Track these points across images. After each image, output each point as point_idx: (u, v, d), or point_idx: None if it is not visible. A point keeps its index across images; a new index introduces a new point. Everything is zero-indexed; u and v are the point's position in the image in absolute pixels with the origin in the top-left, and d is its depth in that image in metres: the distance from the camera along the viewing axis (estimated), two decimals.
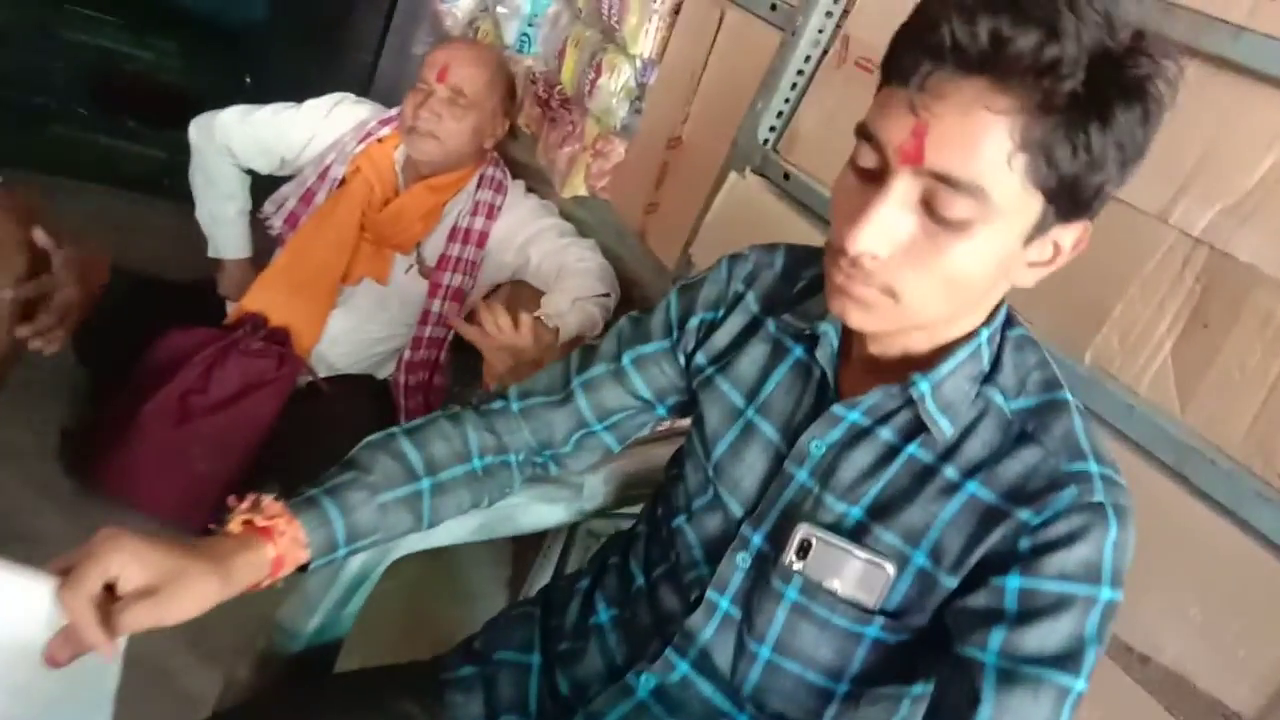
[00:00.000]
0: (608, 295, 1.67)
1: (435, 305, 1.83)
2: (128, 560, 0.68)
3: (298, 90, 1.94)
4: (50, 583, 0.66)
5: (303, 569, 0.81)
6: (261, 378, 1.74)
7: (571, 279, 1.68)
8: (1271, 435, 0.86)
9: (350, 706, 0.87)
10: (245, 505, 0.78)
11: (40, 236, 1.18)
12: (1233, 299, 0.90)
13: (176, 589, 0.69)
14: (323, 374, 1.83)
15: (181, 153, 2.70)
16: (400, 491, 0.86)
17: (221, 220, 1.97)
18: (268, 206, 1.93)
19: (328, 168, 1.86)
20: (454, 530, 0.97)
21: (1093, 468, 0.72)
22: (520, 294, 1.83)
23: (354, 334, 1.86)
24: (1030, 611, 0.69)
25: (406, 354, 1.87)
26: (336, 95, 1.95)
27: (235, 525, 0.77)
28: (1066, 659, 0.68)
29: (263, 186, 1.97)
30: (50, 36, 2.63)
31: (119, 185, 2.65)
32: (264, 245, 1.97)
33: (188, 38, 2.83)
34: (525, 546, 1.60)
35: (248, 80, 2.82)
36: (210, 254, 1.99)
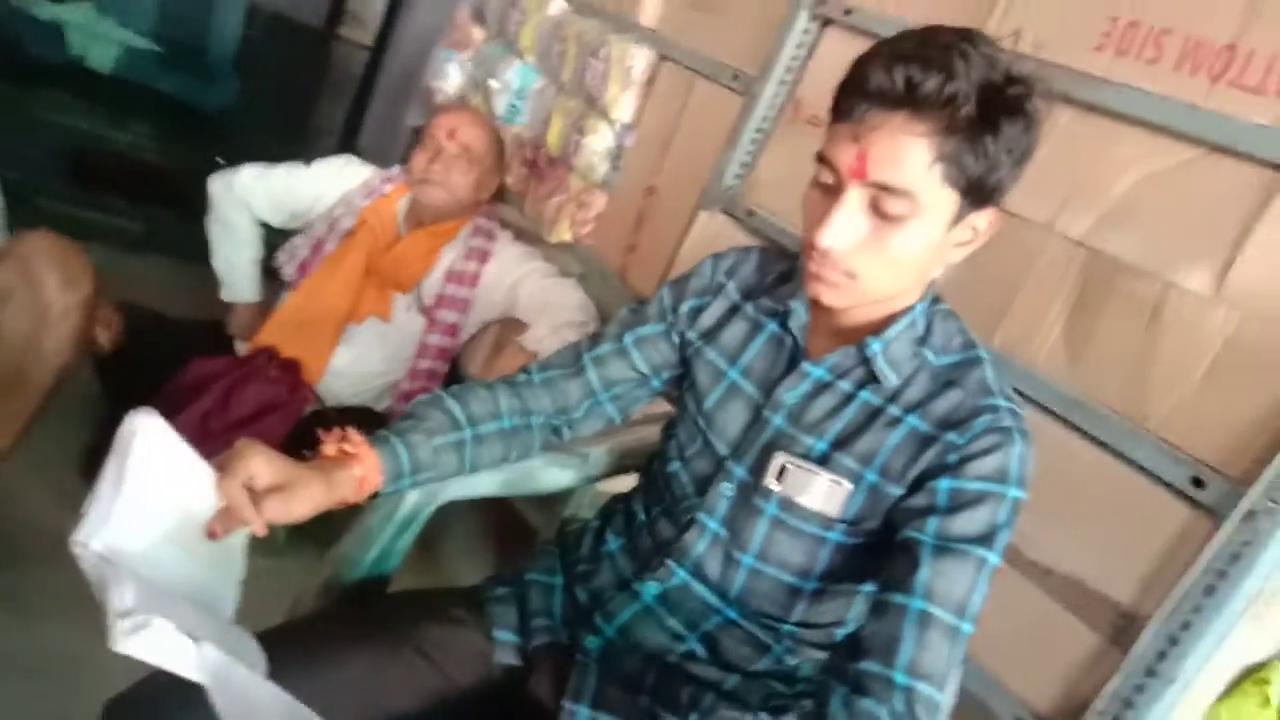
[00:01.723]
0: (586, 323, 1.85)
1: (432, 339, 2.00)
2: (263, 463, 0.86)
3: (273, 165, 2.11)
4: (212, 473, 0.84)
5: (374, 497, 1.00)
6: (275, 401, 1.89)
7: (552, 311, 1.86)
8: (1137, 386, 1.09)
9: (407, 612, 1.04)
10: (336, 436, 0.97)
11: None
12: (1105, 286, 1.14)
13: (297, 489, 0.87)
14: (327, 404, 2.00)
15: (160, 225, 2.86)
16: (449, 438, 1.04)
17: (236, 267, 2.13)
18: (280, 255, 2.10)
19: (336, 220, 2.06)
20: (486, 483, 1.15)
21: (1000, 403, 0.93)
22: (509, 329, 2.03)
23: (356, 367, 2.01)
24: (957, 504, 0.88)
25: (405, 384, 2.02)
26: (343, 157, 2.15)
27: (329, 449, 0.96)
28: (985, 538, 0.87)
29: (268, 238, 2.16)
30: (30, 119, 2.76)
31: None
32: (267, 291, 2.15)
33: (162, 121, 2.97)
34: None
35: (220, 160, 2.97)
36: (223, 297, 2.14)
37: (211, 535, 0.83)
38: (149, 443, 0.81)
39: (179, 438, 0.83)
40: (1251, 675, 1.11)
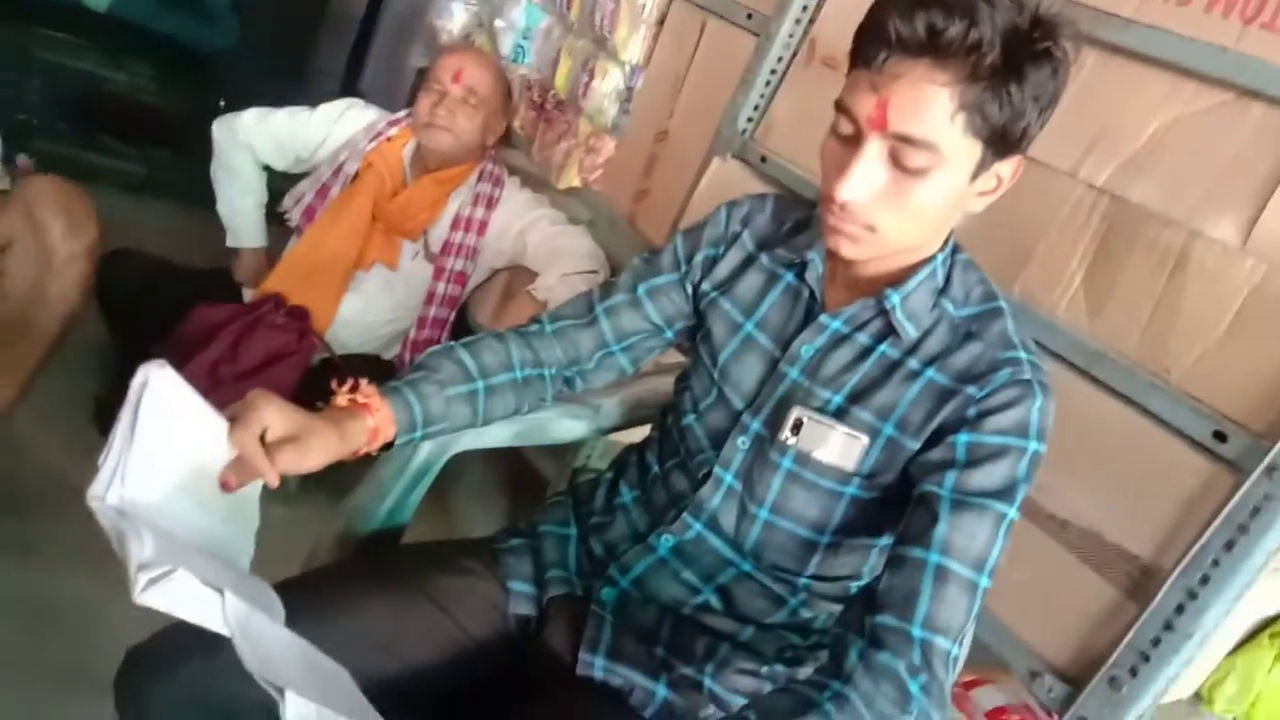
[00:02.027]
0: (595, 272, 1.83)
1: (440, 287, 1.99)
2: (275, 414, 0.85)
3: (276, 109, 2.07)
4: (225, 424, 0.83)
5: (385, 448, 0.99)
6: (284, 350, 1.88)
7: (561, 259, 1.84)
8: (1159, 338, 1.07)
9: (422, 563, 1.04)
10: (348, 388, 0.96)
11: None
12: (1129, 234, 1.11)
13: (310, 440, 0.87)
14: (335, 353, 2.00)
15: (161, 168, 2.83)
16: (461, 389, 1.03)
17: (240, 212, 2.11)
18: (287, 200, 2.07)
19: (342, 164, 2.01)
20: (499, 434, 1.15)
21: (1021, 355, 0.92)
22: (518, 277, 2.01)
23: (364, 316, 2.00)
24: (976, 459, 0.88)
25: (412, 333, 2.02)
26: (347, 100, 2.11)
27: (342, 400, 0.95)
28: (1004, 492, 0.87)
29: (275, 184, 2.13)
30: (30, 59, 2.73)
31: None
32: (275, 238, 2.13)
33: (163, 62, 2.94)
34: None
35: (221, 103, 2.90)
36: (229, 243, 2.13)
37: (225, 487, 0.82)
38: (161, 395, 0.80)
39: (191, 389, 0.82)
40: (1268, 628, 1.11)
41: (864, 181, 0.85)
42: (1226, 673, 1.12)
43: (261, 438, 0.84)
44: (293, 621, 0.83)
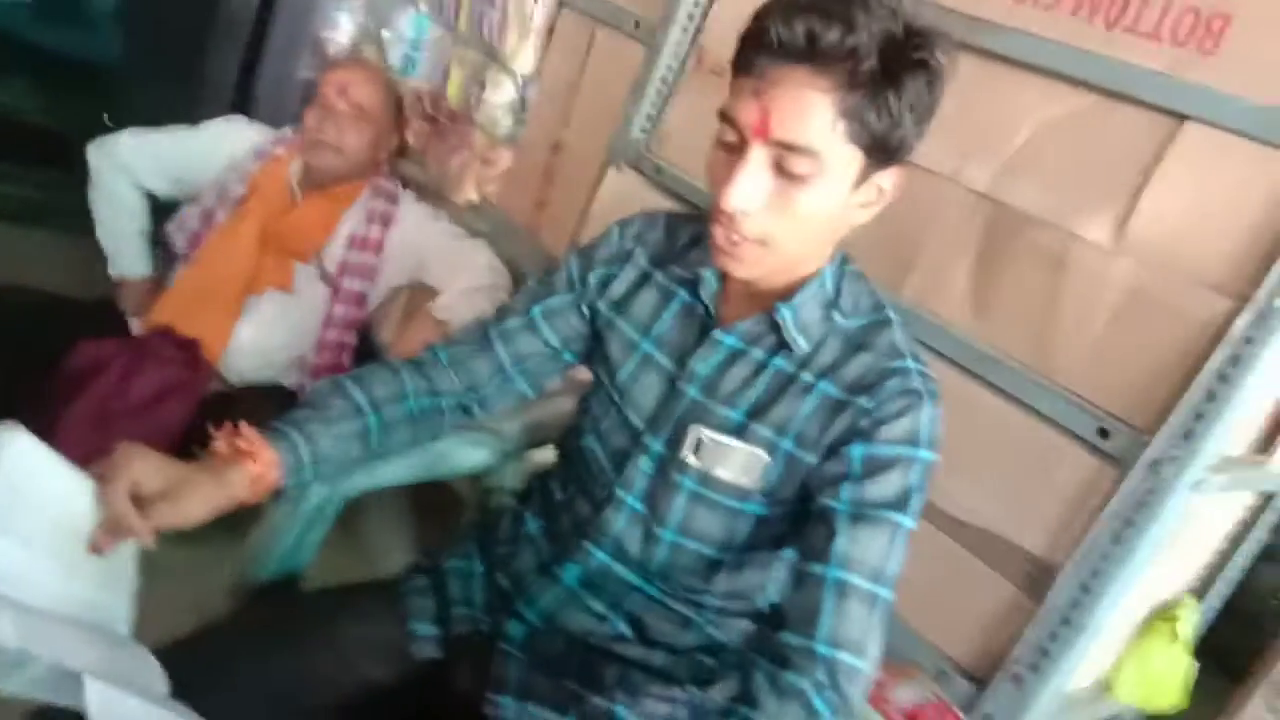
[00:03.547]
0: (496, 286, 1.80)
1: (338, 310, 1.92)
2: (148, 469, 0.81)
3: (159, 125, 2.01)
4: (90, 483, 0.79)
5: (276, 493, 0.96)
6: (175, 383, 1.80)
7: (461, 274, 1.80)
8: (1043, 339, 1.09)
9: (322, 611, 1.01)
10: (226, 432, 0.92)
11: None
12: (1010, 237, 1.14)
13: (187, 493, 0.83)
14: (232, 383, 1.93)
15: (49, 189, 2.68)
16: (353, 425, 1.00)
17: (122, 238, 2.02)
18: (170, 227, 1.98)
19: (226, 186, 1.95)
20: (397, 471, 1.12)
21: (910, 365, 0.93)
22: (419, 296, 1.96)
23: (259, 343, 1.92)
24: (870, 470, 0.89)
25: (313, 358, 1.95)
26: (230, 117, 2.05)
27: (221, 447, 0.91)
28: (899, 503, 0.88)
29: (159, 206, 2.05)
30: None
31: None
32: (162, 265, 2.04)
33: (43, 76, 2.80)
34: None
35: (106, 117, 2.76)
36: (112, 272, 2.03)
37: (96, 550, 0.78)
38: (15, 459, 0.76)
39: (48, 450, 0.78)
40: (1160, 613, 1.15)
41: (750, 190, 0.85)
42: (1126, 659, 1.16)
43: (135, 494, 0.80)
44: (182, 688, 0.79)
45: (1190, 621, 1.16)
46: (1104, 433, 1.03)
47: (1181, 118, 1.02)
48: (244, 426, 0.92)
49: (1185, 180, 1.02)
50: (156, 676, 0.79)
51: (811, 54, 0.80)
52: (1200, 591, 1.27)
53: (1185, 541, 1.14)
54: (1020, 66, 1.15)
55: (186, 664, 0.83)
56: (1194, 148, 1.01)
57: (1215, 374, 0.95)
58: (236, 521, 1.10)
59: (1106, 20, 1.08)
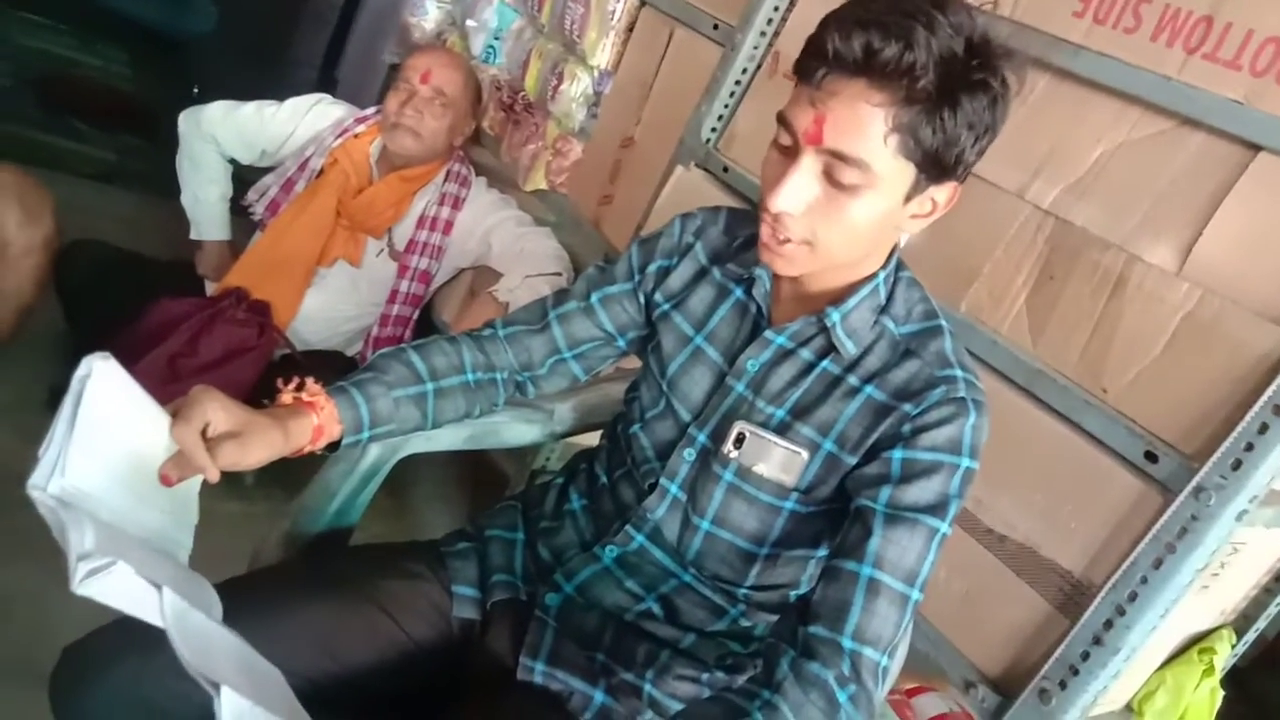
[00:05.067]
0: (559, 274, 1.85)
1: (403, 285, 1.99)
2: (219, 410, 0.85)
3: (245, 101, 2.07)
4: (167, 418, 0.83)
5: (332, 448, 1.00)
6: (244, 345, 1.88)
7: (526, 260, 1.85)
8: (1097, 359, 1.10)
9: (367, 567, 1.05)
10: (293, 385, 0.96)
11: None
12: (1071, 256, 1.14)
13: (252, 436, 0.87)
14: (297, 348, 1.99)
15: (129, 155, 2.78)
16: (410, 390, 1.03)
17: (204, 204, 2.10)
18: (251, 194, 2.07)
19: (307, 159, 2.02)
20: (450, 438, 1.15)
21: (957, 374, 0.93)
22: (483, 277, 2.01)
23: (326, 312, 2.00)
24: (910, 474, 0.89)
25: (375, 330, 2.02)
26: (315, 95, 2.11)
27: (286, 398, 0.95)
28: (936, 508, 0.88)
29: (243, 177, 2.13)
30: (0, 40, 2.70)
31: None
32: (240, 232, 2.12)
33: (137, 47, 2.91)
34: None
35: (195, 90, 2.82)
36: (192, 236, 2.12)
37: (165, 481, 0.82)
38: (103, 386, 0.80)
39: (134, 382, 0.82)
40: (1197, 644, 1.14)
41: (796, 194, 0.86)
42: (1157, 686, 1.15)
43: (204, 433, 0.85)
44: (232, 620, 0.83)
45: (1225, 654, 1.15)
46: (1152, 456, 1.02)
47: (1256, 148, 1.02)
48: (309, 380, 0.96)
49: (1254, 210, 1.01)
50: (215, 603, 0.83)
51: (868, 68, 0.80)
52: (1239, 625, 1.26)
53: (1227, 572, 1.13)
54: (1096, 88, 1.15)
55: (236, 600, 0.87)
56: (1266, 178, 1.01)
57: (1270, 405, 0.94)
58: (292, 481, 1.16)
59: (1186, 46, 1.08)
